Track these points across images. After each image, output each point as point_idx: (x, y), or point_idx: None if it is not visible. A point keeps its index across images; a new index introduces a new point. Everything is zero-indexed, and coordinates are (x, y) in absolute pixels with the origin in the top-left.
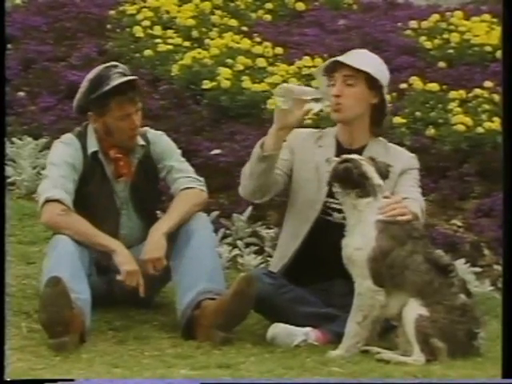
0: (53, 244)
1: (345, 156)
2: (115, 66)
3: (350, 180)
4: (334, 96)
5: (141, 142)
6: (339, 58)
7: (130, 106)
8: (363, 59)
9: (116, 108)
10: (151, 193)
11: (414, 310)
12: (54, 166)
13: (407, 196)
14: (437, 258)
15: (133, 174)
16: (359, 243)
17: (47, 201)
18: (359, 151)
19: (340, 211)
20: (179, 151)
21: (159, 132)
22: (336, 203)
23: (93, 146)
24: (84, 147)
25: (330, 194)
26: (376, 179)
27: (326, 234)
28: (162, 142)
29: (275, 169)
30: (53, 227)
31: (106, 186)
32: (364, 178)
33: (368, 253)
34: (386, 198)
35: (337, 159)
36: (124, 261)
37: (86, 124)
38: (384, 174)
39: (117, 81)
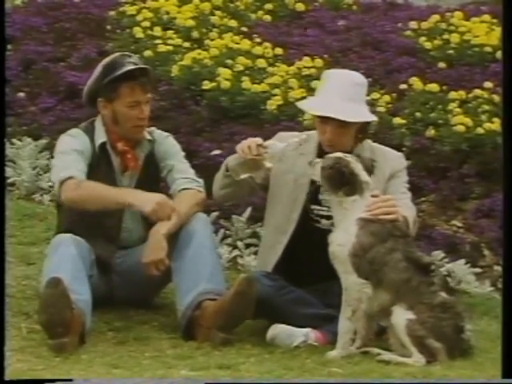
0: (54, 245)
1: (331, 155)
2: (130, 56)
3: (340, 178)
4: (328, 139)
5: (148, 136)
6: (331, 114)
7: (141, 94)
8: (352, 107)
9: (127, 93)
10: (153, 191)
11: (401, 316)
12: (63, 154)
13: (401, 205)
14: (417, 257)
15: (139, 168)
16: (342, 239)
17: (61, 182)
18: None
19: (327, 218)
20: (183, 153)
21: (165, 133)
22: (322, 210)
23: (101, 137)
24: (92, 140)
25: (312, 200)
26: (363, 176)
27: (320, 238)
28: (166, 141)
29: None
30: (72, 205)
31: (111, 179)
32: (352, 175)
33: (349, 248)
34: (374, 196)
35: (320, 160)
36: (144, 199)
37: (93, 120)
38: (370, 169)
39: (130, 66)
